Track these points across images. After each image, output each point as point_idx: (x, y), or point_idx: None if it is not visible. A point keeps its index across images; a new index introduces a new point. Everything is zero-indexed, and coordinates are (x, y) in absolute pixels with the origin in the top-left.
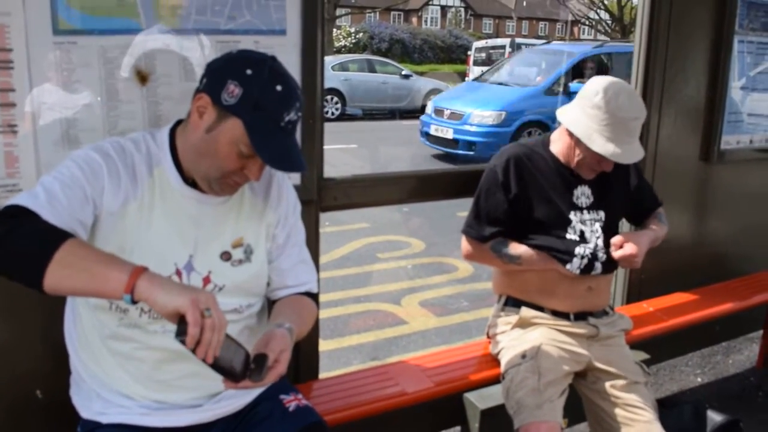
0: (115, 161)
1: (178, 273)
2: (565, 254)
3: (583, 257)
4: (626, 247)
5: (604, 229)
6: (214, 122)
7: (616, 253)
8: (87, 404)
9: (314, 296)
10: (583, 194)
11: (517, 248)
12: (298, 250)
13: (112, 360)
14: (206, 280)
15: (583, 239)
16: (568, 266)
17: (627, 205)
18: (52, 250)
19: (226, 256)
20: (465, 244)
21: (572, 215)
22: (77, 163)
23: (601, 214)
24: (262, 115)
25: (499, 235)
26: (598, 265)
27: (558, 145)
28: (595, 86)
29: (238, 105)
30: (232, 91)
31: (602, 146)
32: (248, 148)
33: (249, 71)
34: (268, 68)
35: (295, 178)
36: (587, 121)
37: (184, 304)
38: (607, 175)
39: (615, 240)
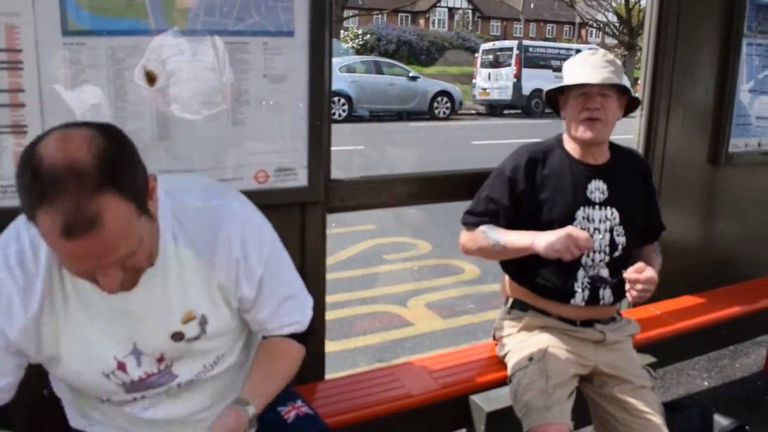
0: (3, 279)
1: (121, 366)
2: (563, 293)
3: (584, 288)
4: (646, 271)
5: (619, 231)
6: None
7: (633, 278)
8: (74, 416)
9: (302, 335)
10: (597, 189)
11: (504, 234)
12: (277, 294)
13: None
14: (160, 359)
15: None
16: (572, 301)
17: (643, 211)
18: None
19: (178, 337)
20: (461, 234)
21: (580, 212)
22: None
23: (615, 213)
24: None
25: (491, 218)
26: (605, 294)
27: (567, 137)
28: None
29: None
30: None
31: (572, 79)
32: (68, 268)
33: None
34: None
35: (302, 179)
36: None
37: None
38: (620, 172)
39: (635, 268)
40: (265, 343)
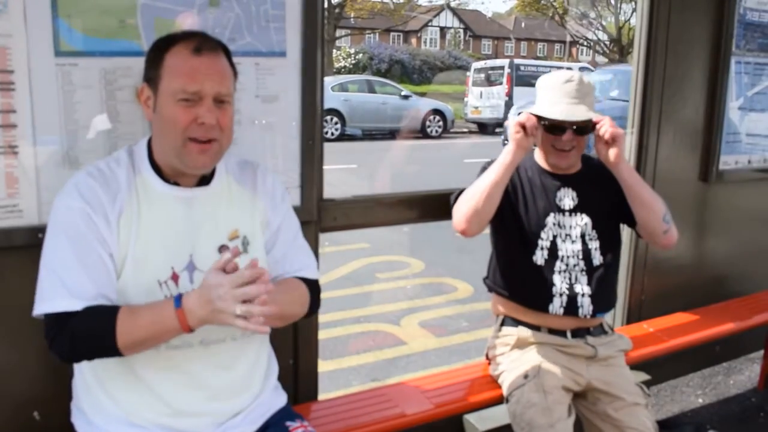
0: (93, 189)
1: (174, 277)
2: (541, 298)
3: (561, 294)
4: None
5: (592, 236)
6: (155, 98)
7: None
8: (89, 430)
9: (311, 282)
10: (566, 196)
11: (485, 174)
12: (293, 237)
13: (130, 379)
14: None
15: (554, 249)
16: (550, 308)
17: (618, 211)
18: (113, 335)
19: (224, 250)
20: (453, 216)
21: (550, 217)
22: (66, 232)
23: (586, 219)
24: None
25: None
26: (583, 302)
27: (538, 149)
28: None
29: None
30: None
31: (545, 111)
32: (185, 88)
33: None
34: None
35: (295, 199)
36: (537, 104)
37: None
38: (591, 181)
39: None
40: (279, 281)
